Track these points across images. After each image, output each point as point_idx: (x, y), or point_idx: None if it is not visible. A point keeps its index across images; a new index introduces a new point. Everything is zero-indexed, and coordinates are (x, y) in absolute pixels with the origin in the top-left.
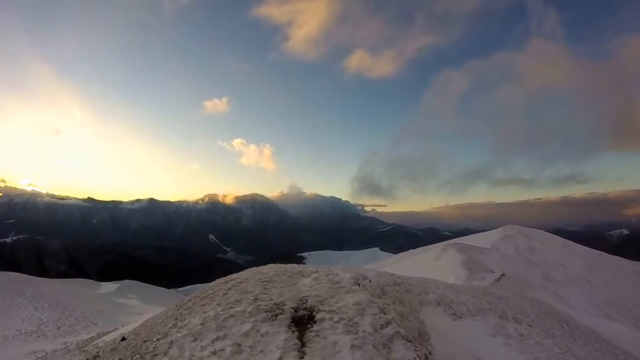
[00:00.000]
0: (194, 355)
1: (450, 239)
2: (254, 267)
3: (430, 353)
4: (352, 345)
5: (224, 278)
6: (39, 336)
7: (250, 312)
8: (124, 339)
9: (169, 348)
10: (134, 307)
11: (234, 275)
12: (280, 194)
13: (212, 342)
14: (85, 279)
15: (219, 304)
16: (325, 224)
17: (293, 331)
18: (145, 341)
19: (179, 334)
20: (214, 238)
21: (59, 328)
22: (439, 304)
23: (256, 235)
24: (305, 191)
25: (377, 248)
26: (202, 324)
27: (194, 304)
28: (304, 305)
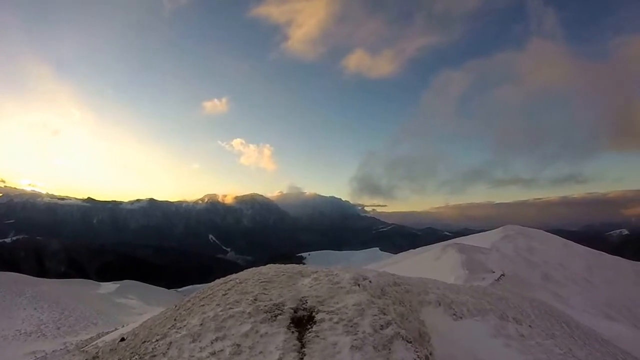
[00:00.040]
0: (193, 356)
1: (450, 239)
2: (254, 268)
3: (430, 354)
4: (352, 346)
5: (223, 278)
6: (38, 336)
7: (249, 312)
8: (123, 339)
9: (168, 349)
10: (134, 307)
11: (234, 276)
12: (280, 194)
13: (211, 342)
14: (85, 279)
15: (218, 305)
16: (325, 224)
17: (293, 332)
18: (145, 342)
19: (178, 335)
20: (213, 238)
21: (58, 328)
22: (439, 305)
23: (256, 235)
24: (305, 191)
25: (377, 248)
26: (201, 324)
27: (193, 304)
28: (303, 305)
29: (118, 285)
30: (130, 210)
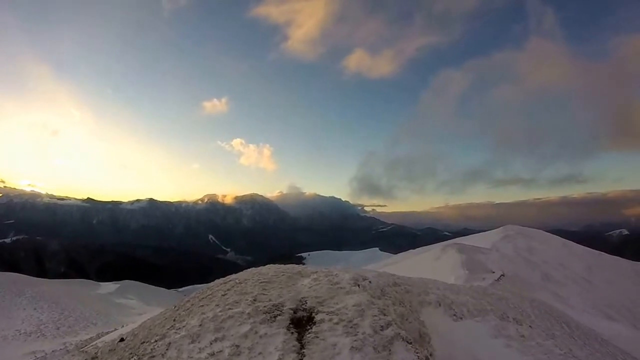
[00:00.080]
0: (192, 357)
1: (449, 239)
2: (253, 268)
3: (430, 355)
4: (352, 347)
5: (223, 279)
6: (38, 336)
7: (249, 313)
8: (122, 340)
9: (167, 350)
10: (134, 307)
11: (233, 276)
12: (279, 194)
13: (211, 343)
14: (84, 280)
15: (218, 305)
16: (325, 224)
17: (292, 333)
18: (144, 342)
19: (177, 336)
20: (213, 238)
21: (58, 328)
22: (440, 305)
23: (256, 235)
24: (304, 191)
25: (377, 248)
26: (200, 325)
27: (192, 305)
28: (303, 306)
29: (118, 285)
30: (130, 211)
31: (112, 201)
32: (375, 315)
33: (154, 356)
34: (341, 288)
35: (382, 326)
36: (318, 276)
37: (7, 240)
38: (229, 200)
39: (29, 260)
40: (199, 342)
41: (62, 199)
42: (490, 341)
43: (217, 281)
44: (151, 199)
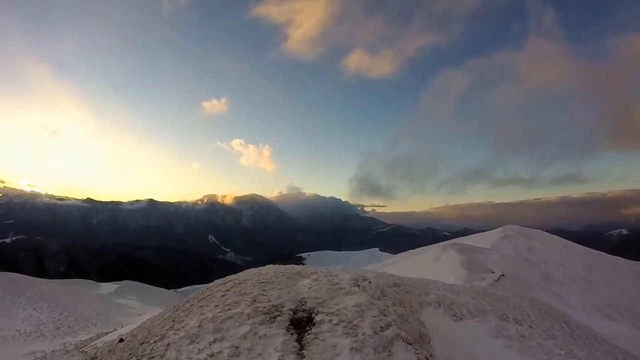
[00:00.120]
0: (190, 358)
1: (449, 239)
2: (253, 268)
3: (431, 355)
4: (352, 348)
5: (222, 279)
6: (38, 337)
7: (248, 314)
8: (121, 340)
9: (166, 350)
10: (133, 307)
11: (232, 277)
12: (279, 194)
13: (210, 344)
14: (84, 280)
15: (217, 306)
16: (325, 225)
17: (292, 333)
18: (143, 343)
19: (176, 336)
20: (213, 239)
21: (58, 328)
22: (440, 305)
23: (255, 235)
24: (304, 191)
25: (377, 248)
26: (199, 326)
27: (191, 305)
28: (302, 307)
29: (117, 285)
30: (129, 211)
31: (112, 201)
32: (375, 316)
33: (153, 357)
34: (341, 289)
35: (382, 327)
36: (318, 277)
37: (7, 240)
38: (228, 200)
39: (29, 260)
40: (198, 343)
41: (62, 199)
42: (490, 341)
43: (216, 282)
44: (151, 199)
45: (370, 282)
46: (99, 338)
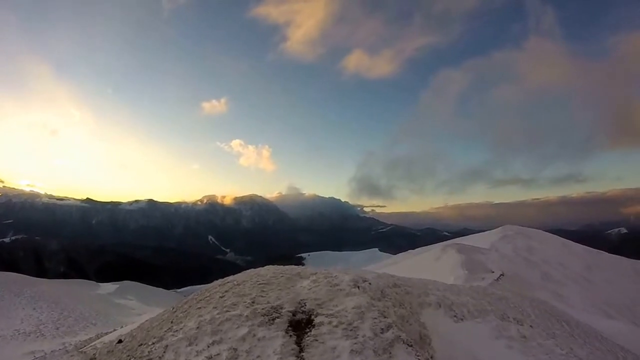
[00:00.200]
0: None
1: (449, 239)
2: (252, 269)
3: (431, 357)
4: (352, 350)
5: (221, 280)
6: (37, 336)
7: (247, 315)
8: (120, 341)
9: (164, 352)
10: (133, 307)
11: (231, 278)
12: (279, 194)
13: (208, 346)
14: (84, 280)
15: (215, 307)
16: (325, 225)
17: (291, 336)
18: (141, 344)
19: (174, 338)
20: (212, 239)
21: (57, 328)
22: (440, 306)
23: (255, 236)
24: (304, 192)
25: (377, 249)
26: (197, 327)
27: (190, 307)
28: (302, 308)
29: (117, 285)
30: (129, 211)
31: (112, 201)
32: (375, 318)
33: (151, 359)
34: (341, 290)
35: (382, 329)
36: (317, 278)
37: (6, 240)
38: (228, 201)
39: (28, 260)
40: (196, 345)
41: (61, 199)
42: (491, 342)
43: (215, 283)
44: (150, 200)
45: (370, 283)
46: (99, 338)
